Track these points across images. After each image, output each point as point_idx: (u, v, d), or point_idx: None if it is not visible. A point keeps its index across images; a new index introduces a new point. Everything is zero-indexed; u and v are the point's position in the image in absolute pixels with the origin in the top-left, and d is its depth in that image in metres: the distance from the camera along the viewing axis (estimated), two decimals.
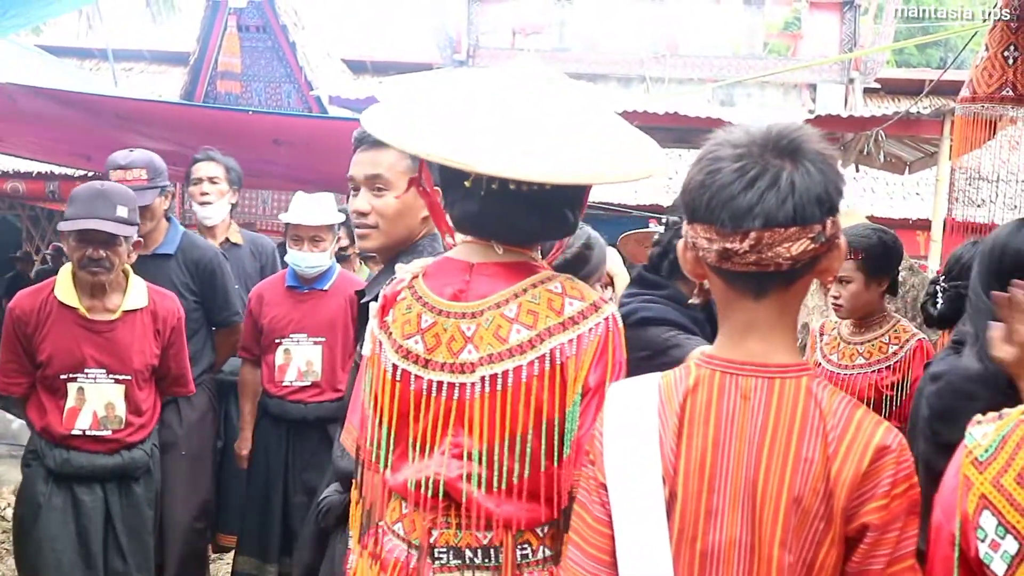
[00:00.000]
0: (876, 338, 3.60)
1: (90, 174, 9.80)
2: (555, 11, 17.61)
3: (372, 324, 1.99)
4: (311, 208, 4.57)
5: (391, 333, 1.92)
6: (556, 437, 1.78)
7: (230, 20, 13.56)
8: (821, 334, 3.84)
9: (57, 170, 11.49)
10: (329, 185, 5.69)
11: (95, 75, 15.24)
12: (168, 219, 4.52)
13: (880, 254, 3.50)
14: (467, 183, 1.79)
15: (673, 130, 8.55)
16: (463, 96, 1.83)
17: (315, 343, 4.57)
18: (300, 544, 2.81)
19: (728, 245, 1.51)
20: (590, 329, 1.79)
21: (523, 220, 1.82)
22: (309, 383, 4.59)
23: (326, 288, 4.64)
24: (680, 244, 1.64)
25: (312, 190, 4.92)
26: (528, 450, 1.78)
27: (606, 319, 1.81)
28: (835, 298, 3.57)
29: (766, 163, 1.50)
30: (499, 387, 1.78)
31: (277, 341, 4.61)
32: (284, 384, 4.59)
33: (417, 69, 14.43)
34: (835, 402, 1.54)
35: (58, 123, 7.04)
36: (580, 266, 2.80)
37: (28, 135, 8.08)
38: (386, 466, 1.93)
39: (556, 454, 1.79)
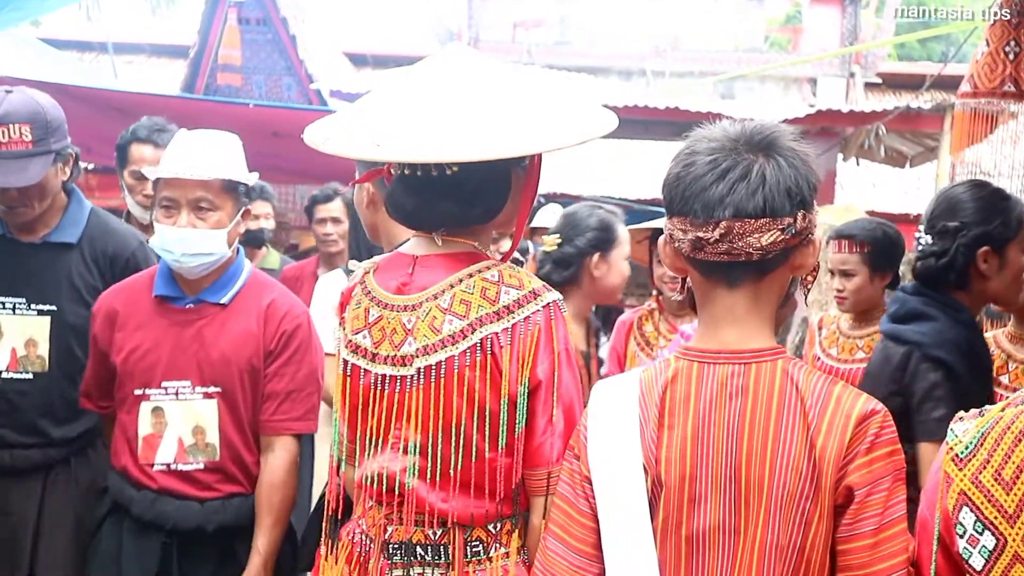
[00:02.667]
0: (876, 332, 3.60)
1: (90, 166, 9.79)
2: (556, 5, 17.59)
3: (334, 320, 2.04)
4: (194, 152, 2.68)
5: (345, 328, 1.94)
6: (496, 427, 1.79)
7: (230, 13, 13.54)
8: (820, 328, 3.84)
9: None
10: (330, 178, 5.70)
11: (95, 68, 15.22)
12: (68, 193, 3.14)
13: (885, 248, 3.50)
14: (391, 170, 1.87)
15: (673, 124, 8.54)
16: (380, 95, 1.87)
17: (206, 396, 2.73)
18: (305, 535, 2.80)
19: (700, 234, 1.56)
20: (526, 318, 1.79)
21: (438, 205, 1.83)
22: (200, 464, 2.73)
23: (223, 302, 2.76)
24: (661, 240, 1.68)
25: (313, 183, 4.98)
26: (463, 440, 1.79)
27: (546, 306, 1.81)
28: (839, 291, 3.58)
29: (738, 156, 1.56)
30: (433, 378, 1.79)
31: (140, 393, 2.74)
32: (154, 466, 2.73)
33: (416, 62, 14.42)
34: (812, 381, 1.57)
35: None
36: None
37: None
38: (345, 459, 1.97)
39: (497, 444, 1.79)
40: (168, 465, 2.72)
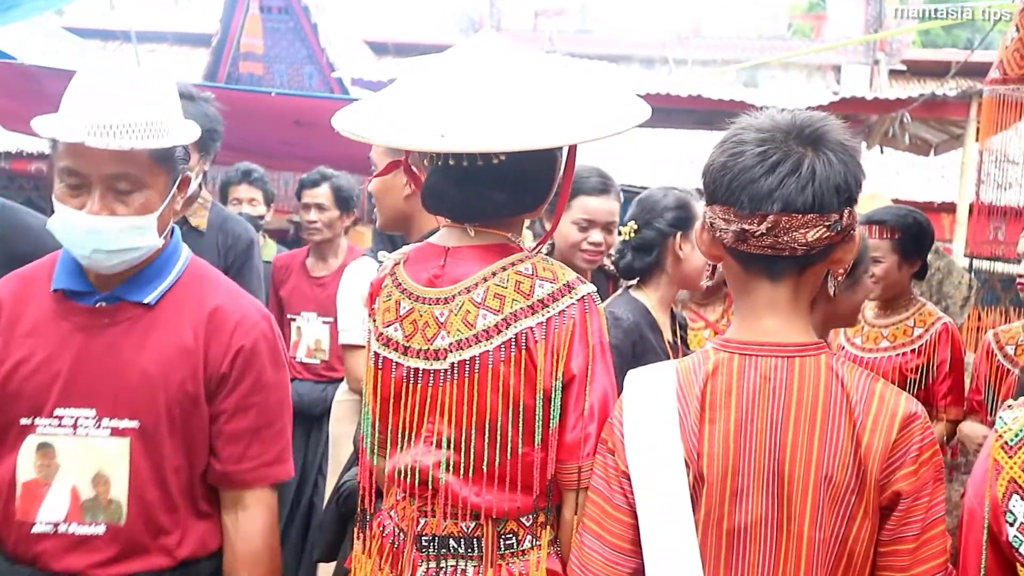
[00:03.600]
0: (901, 321, 3.57)
1: None
2: None
3: (364, 312, 2.01)
4: (108, 106, 1.85)
5: (376, 321, 1.92)
6: (531, 422, 1.77)
7: (252, 1, 13.56)
8: None
9: None
10: (351, 166, 5.68)
11: (118, 56, 15.28)
12: None
13: (915, 235, 3.46)
14: (426, 163, 1.85)
15: (696, 112, 8.51)
16: (414, 82, 1.83)
17: (115, 432, 1.93)
18: (321, 525, 2.80)
19: (746, 226, 1.54)
20: (561, 312, 1.76)
21: (489, 195, 1.80)
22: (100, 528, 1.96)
23: (147, 301, 1.99)
24: (697, 225, 1.67)
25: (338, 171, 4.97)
26: (499, 436, 1.77)
27: (580, 300, 1.77)
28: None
29: (789, 149, 1.53)
30: (467, 373, 1.77)
31: (25, 423, 1.94)
32: (35, 526, 1.94)
33: (438, 50, 14.42)
34: (856, 377, 1.56)
35: None
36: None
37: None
38: (374, 452, 1.95)
39: (532, 439, 1.77)
40: (55, 526, 1.93)
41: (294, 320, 4.86)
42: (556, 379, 1.75)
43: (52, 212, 1.93)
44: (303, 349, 4.79)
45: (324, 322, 4.75)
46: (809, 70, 17.31)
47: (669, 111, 8.46)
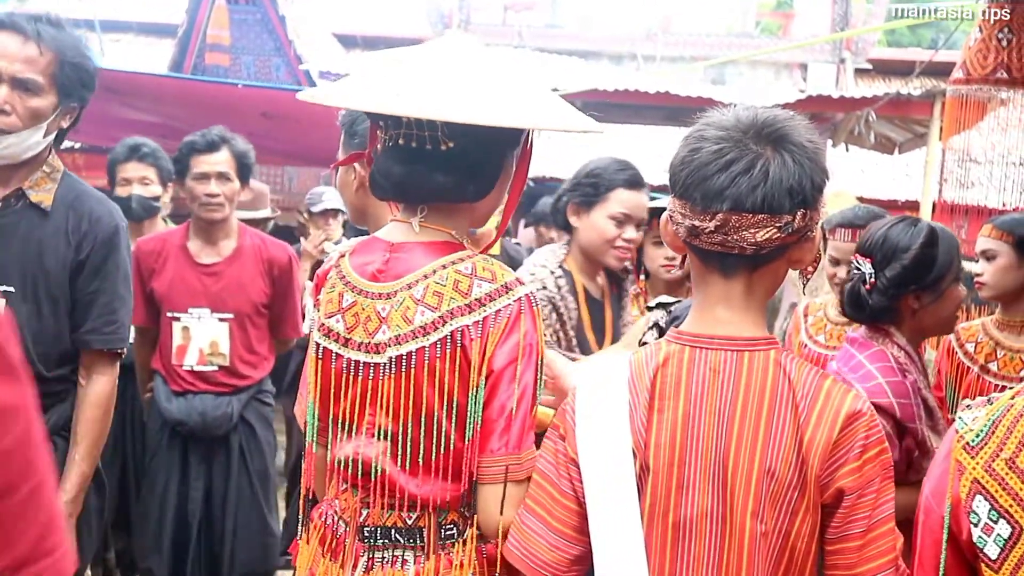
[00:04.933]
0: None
1: (77, 145, 9.73)
2: None
3: (308, 302, 2.03)
4: None
5: (319, 311, 1.94)
6: (463, 417, 1.79)
7: None
8: (806, 315, 3.84)
9: None
10: (319, 160, 5.65)
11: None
12: None
13: None
14: (378, 145, 1.87)
15: (664, 108, 8.53)
16: (380, 63, 1.86)
17: None
18: (287, 519, 2.78)
19: (697, 223, 1.56)
20: (498, 311, 1.77)
21: (430, 177, 1.80)
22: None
23: None
24: (663, 217, 1.68)
25: (302, 165, 4.88)
26: (436, 429, 1.79)
27: (517, 300, 1.78)
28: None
29: (745, 148, 1.54)
30: (404, 368, 1.79)
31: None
32: None
33: (407, 44, 14.37)
34: (804, 373, 1.57)
35: None
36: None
37: None
38: (317, 440, 1.97)
39: (465, 434, 1.79)
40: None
41: (177, 320, 3.91)
42: (481, 375, 1.76)
43: None
44: (193, 354, 3.90)
45: (221, 319, 3.92)
46: (776, 68, 17.43)
47: (637, 107, 8.49)
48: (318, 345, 1.92)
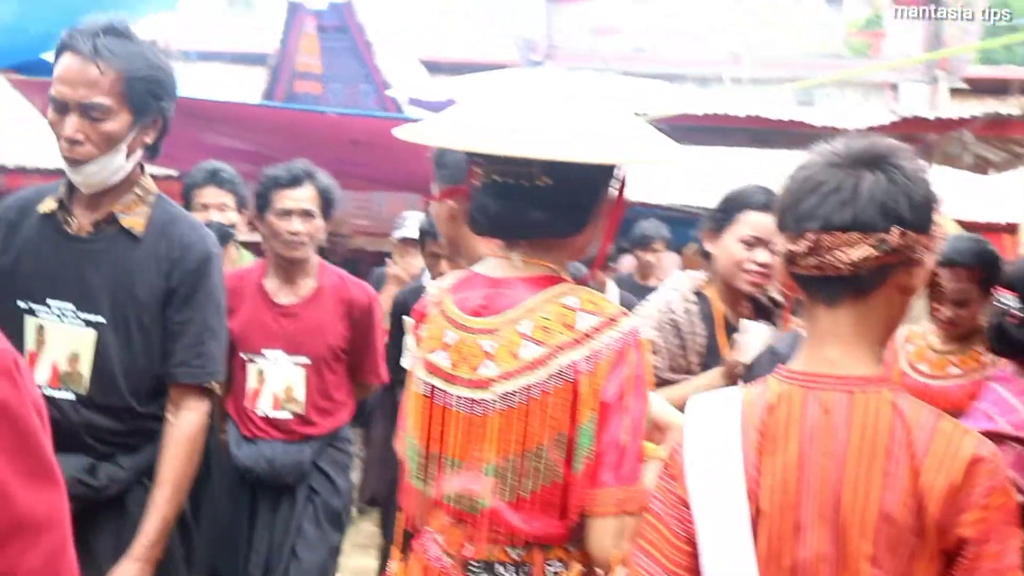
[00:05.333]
0: (971, 349, 3.44)
1: (174, 174, 9.96)
2: (633, 11, 17.50)
3: (409, 339, 2.05)
4: None
5: (421, 348, 1.95)
6: (571, 452, 1.78)
7: (309, 21, 13.70)
8: (907, 343, 3.73)
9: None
10: (406, 185, 5.70)
11: (178, 75, 15.52)
12: None
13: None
14: (475, 181, 1.88)
15: (751, 131, 8.44)
16: (479, 97, 1.90)
17: None
18: (366, 468, 2.81)
19: (791, 247, 1.55)
20: (607, 344, 1.77)
21: (526, 213, 1.82)
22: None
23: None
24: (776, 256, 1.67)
25: (389, 190, 4.89)
26: (543, 465, 1.78)
27: (625, 333, 1.78)
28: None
29: (837, 171, 1.53)
30: (513, 403, 1.79)
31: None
32: None
33: (493, 69, 14.46)
34: (920, 414, 1.52)
35: None
36: None
37: None
38: (421, 477, 1.96)
39: (574, 468, 1.78)
40: None
41: (252, 361, 3.74)
42: (590, 409, 1.75)
43: None
44: (267, 399, 3.71)
45: (296, 363, 3.73)
46: (866, 88, 17.12)
47: (724, 130, 8.41)
48: (423, 381, 1.92)
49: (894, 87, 17.00)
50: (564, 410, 1.77)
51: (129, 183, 2.61)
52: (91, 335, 2.51)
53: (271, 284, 3.82)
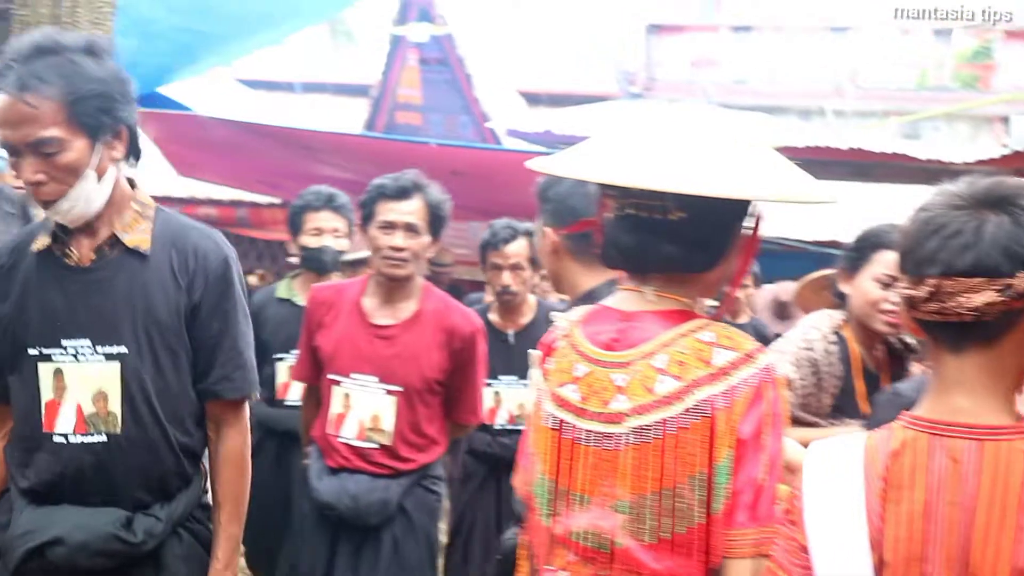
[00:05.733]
0: None
1: (278, 202, 10.20)
2: (733, 43, 17.40)
3: (535, 372, 2.01)
4: None
5: (549, 381, 1.93)
6: (710, 491, 1.74)
7: (411, 53, 13.96)
8: None
9: (247, 197, 12.08)
10: (504, 215, 5.74)
11: (282, 106, 15.93)
12: None
13: None
14: (608, 214, 1.85)
15: (853, 165, 8.29)
16: (617, 129, 1.87)
17: None
18: None
19: (912, 292, 1.50)
20: (744, 380, 1.73)
21: (659, 247, 1.80)
22: None
23: None
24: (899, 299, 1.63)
25: (488, 219, 4.91)
26: (678, 504, 1.74)
27: (762, 369, 1.75)
28: None
29: (960, 212, 1.48)
30: (648, 438, 1.75)
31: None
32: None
33: (592, 101, 14.49)
34: None
35: (248, 152, 7.39)
36: None
37: (221, 164, 8.51)
38: (548, 512, 1.93)
39: (711, 508, 1.74)
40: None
41: (338, 384, 3.45)
42: (727, 446, 1.72)
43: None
44: (352, 426, 3.40)
45: (388, 391, 3.39)
46: (976, 121, 16.69)
47: (827, 163, 8.27)
48: (551, 415, 1.90)
49: (1005, 120, 16.55)
50: (700, 447, 1.73)
51: (123, 201, 2.40)
52: (115, 369, 2.33)
53: (369, 303, 3.51)
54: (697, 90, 16.42)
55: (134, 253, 2.37)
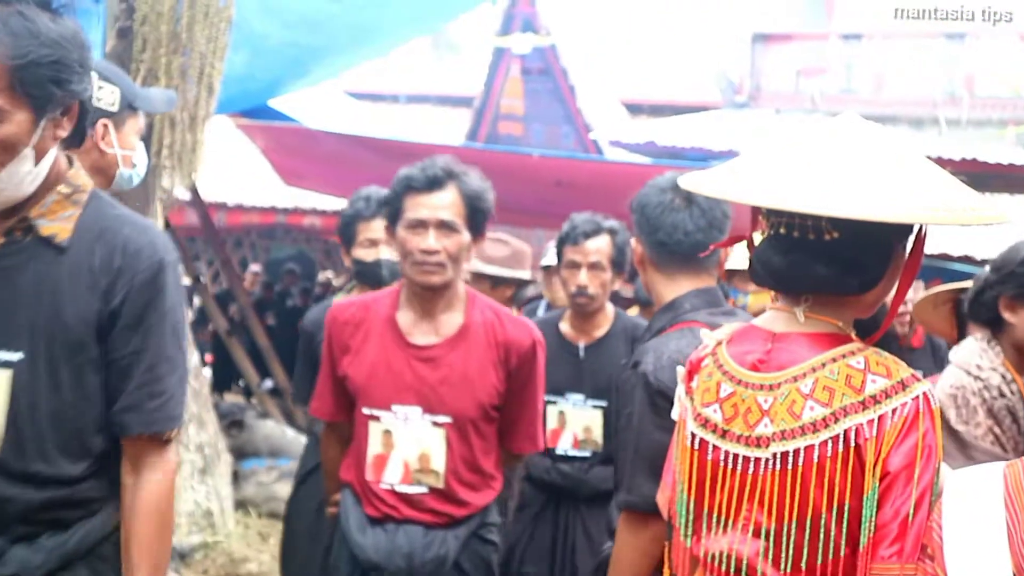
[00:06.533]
0: None
1: None
2: (841, 51, 17.07)
3: (679, 389, 1.97)
4: None
5: (693, 400, 1.88)
6: (855, 524, 1.67)
7: (514, 64, 14.04)
8: None
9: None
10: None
11: (387, 117, 16.18)
12: None
13: None
14: (759, 231, 1.80)
15: (967, 175, 8.05)
16: (769, 148, 1.81)
17: None
18: None
19: None
20: (894, 410, 1.65)
21: (811, 268, 1.72)
22: None
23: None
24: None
25: None
26: (823, 534, 1.68)
27: (915, 398, 1.66)
28: None
29: None
30: (791, 465, 1.70)
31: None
32: None
33: (695, 111, 14.37)
34: None
35: (352, 163, 7.50)
36: None
37: (326, 174, 8.66)
38: (688, 533, 1.89)
39: (856, 542, 1.67)
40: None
41: (376, 420, 2.85)
42: (875, 478, 1.65)
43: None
44: (396, 469, 2.82)
45: (435, 423, 2.82)
46: None
47: None
48: (694, 435, 1.87)
49: None
50: (845, 476, 1.67)
51: (48, 183, 1.91)
52: (3, 377, 1.86)
53: (404, 319, 2.90)
54: (804, 99, 16.17)
55: (49, 243, 1.89)
